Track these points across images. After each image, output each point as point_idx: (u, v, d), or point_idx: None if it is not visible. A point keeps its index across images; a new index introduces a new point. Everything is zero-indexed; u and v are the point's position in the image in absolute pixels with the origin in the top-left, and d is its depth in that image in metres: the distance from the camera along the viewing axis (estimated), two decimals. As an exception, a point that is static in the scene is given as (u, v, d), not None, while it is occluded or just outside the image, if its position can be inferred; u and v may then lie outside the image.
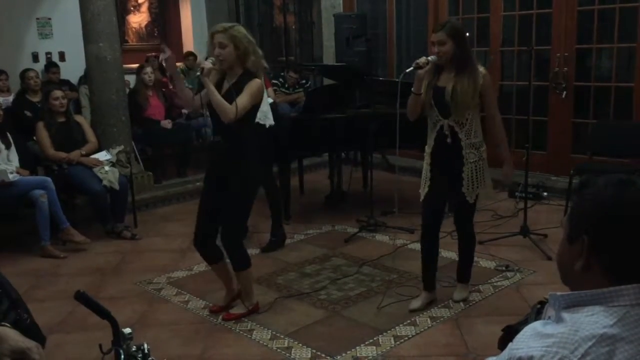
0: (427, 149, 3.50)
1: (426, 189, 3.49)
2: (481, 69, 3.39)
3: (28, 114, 6.09)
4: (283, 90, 7.24)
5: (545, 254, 4.32)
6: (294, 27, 9.00)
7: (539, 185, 5.81)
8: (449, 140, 3.38)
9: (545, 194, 5.76)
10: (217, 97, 3.24)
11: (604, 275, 1.12)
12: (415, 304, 3.64)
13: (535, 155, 5.62)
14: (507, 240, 4.61)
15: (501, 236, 4.66)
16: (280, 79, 7.31)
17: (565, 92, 5.92)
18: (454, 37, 3.28)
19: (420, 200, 3.55)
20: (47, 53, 7.74)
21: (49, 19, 7.73)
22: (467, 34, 3.53)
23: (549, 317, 1.19)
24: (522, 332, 1.16)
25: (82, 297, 1.45)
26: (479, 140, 3.44)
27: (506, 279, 4.02)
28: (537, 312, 1.48)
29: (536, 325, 1.15)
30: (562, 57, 5.90)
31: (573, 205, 1.21)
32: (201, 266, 4.47)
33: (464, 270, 3.74)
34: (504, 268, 4.18)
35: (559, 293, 1.16)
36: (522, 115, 6.05)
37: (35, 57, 7.68)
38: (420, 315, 3.55)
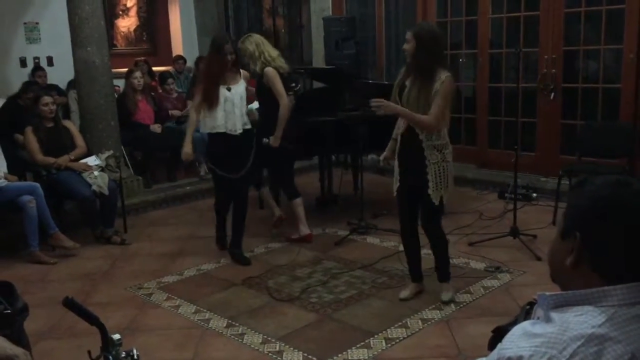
0: (397, 146, 3.62)
1: (397, 184, 3.62)
2: (443, 75, 3.38)
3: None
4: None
5: (535, 255, 4.34)
6: (283, 30, 9.00)
7: (528, 186, 5.84)
8: (406, 138, 3.51)
9: (534, 194, 5.79)
10: None
11: (593, 274, 1.13)
12: (405, 293, 3.81)
13: (524, 156, 5.65)
14: (497, 242, 4.63)
15: (491, 237, 4.68)
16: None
17: (553, 94, 5.96)
18: (418, 39, 3.39)
19: (394, 195, 3.68)
20: (35, 58, 7.67)
21: (37, 23, 7.67)
22: (436, 40, 3.49)
23: (538, 317, 1.20)
24: (511, 332, 1.17)
25: (70, 304, 1.44)
26: (442, 142, 3.50)
27: (496, 280, 4.04)
28: (526, 313, 1.49)
29: (525, 325, 1.16)
30: (550, 59, 5.94)
31: (569, 202, 1.22)
32: (192, 271, 4.47)
33: (441, 270, 3.78)
34: (493, 269, 4.19)
35: (547, 293, 1.17)
36: (510, 117, 6.09)
37: (23, 62, 7.61)
38: (412, 317, 3.55)
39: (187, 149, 4.53)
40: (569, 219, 1.19)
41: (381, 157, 3.85)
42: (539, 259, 4.27)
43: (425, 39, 3.41)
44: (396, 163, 3.64)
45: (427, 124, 3.40)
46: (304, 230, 4.95)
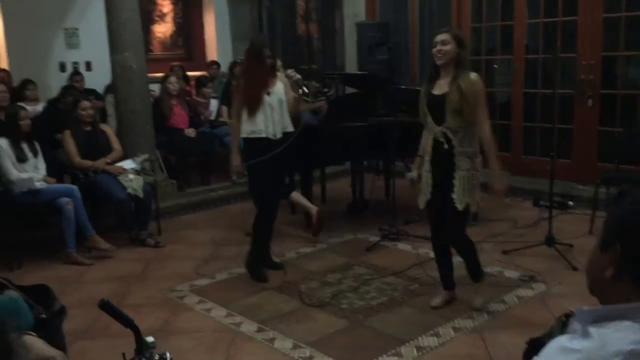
0: (427, 157, 3.56)
1: (428, 196, 3.57)
2: (474, 75, 3.42)
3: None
4: (305, 98, 7.26)
5: (571, 265, 4.25)
6: (316, 35, 9.04)
7: (564, 194, 5.73)
8: (445, 146, 3.44)
9: (570, 203, 5.68)
10: None
11: (633, 287, 1.10)
12: (436, 301, 3.78)
13: (560, 163, 5.55)
14: (531, 250, 4.55)
15: (525, 246, 4.60)
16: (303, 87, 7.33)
17: (591, 100, 5.84)
18: (458, 40, 3.41)
19: (421, 207, 3.64)
20: (74, 63, 7.86)
21: (76, 29, 7.86)
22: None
23: (575, 331, 1.18)
24: (547, 347, 1.15)
25: (106, 306, 1.47)
26: (473, 150, 3.47)
27: (531, 290, 3.97)
28: (562, 325, 1.46)
29: (562, 340, 1.13)
30: (588, 65, 5.82)
31: (609, 213, 1.19)
32: (223, 274, 4.50)
33: (472, 271, 3.74)
34: (528, 278, 4.12)
35: (586, 308, 1.15)
36: (546, 123, 5.99)
37: (62, 67, 7.81)
38: (443, 325, 3.51)
39: (236, 162, 4.40)
40: (609, 230, 1.16)
41: (412, 176, 3.75)
42: (575, 269, 4.18)
43: (463, 39, 3.47)
44: (427, 175, 3.57)
45: (490, 134, 3.47)
46: (312, 208, 5.15)
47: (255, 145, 4.23)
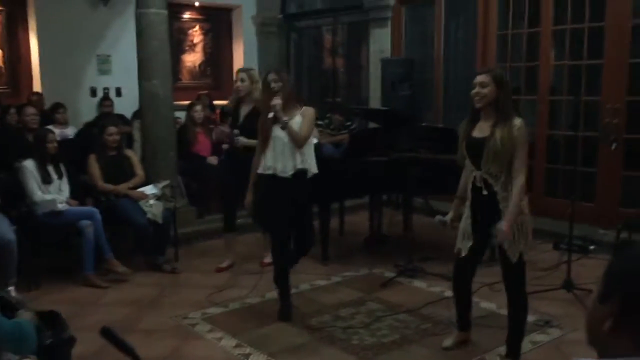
0: (467, 202, 3.39)
1: (470, 242, 3.37)
2: (518, 121, 3.21)
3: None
4: (328, 131, 7.32)
5: (589, 311, 4.15)
6: (342, 69, 9.14)
7: (585, 238, 5.63)
8: (484, 192, 3.26)
9: (591, 247, 5.58)
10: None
11: (631, 341, 1.09)
12: (448, 341, 3.68)
13: (582, 207, 5.47)
14: (549, 294, 4.46)
15: (543, 289, 4.52)
16: (326, 120, 7.40)
17: (615, 144, 5.78)
18: (498, 82, 3.20)
19: (463, 254, 3.42)
20: (105, 88, 8.05)
21: (109, 56, 8.07)
22: (511, 85, 3.35)
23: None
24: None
25: (107, 333, 1.48)
26: None
27: (546, 335, 3.89)
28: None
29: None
30: (612, 109, 5.78)
31: (610, 264, 1.18)
32: (236, 303, 4.50)
33: (510, 342, 3.42)
34: (543, 323, 4.03)
35: (582, 359, 1.13)
36: (569, 166, 5.93)
37: (93, 92, 8.00)
38: (454, 367, 3.46)
39: (249, 197, 4.24)
40: (609, 282, 1.15)
41: (447, 218, 3.55)
42: (593, 315, 4.07)
43: (505, 81, 3.26)
44: (466, 220, 3.40)
45: (523, 187, 3.18)
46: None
47: (262, 183, 4.05)
